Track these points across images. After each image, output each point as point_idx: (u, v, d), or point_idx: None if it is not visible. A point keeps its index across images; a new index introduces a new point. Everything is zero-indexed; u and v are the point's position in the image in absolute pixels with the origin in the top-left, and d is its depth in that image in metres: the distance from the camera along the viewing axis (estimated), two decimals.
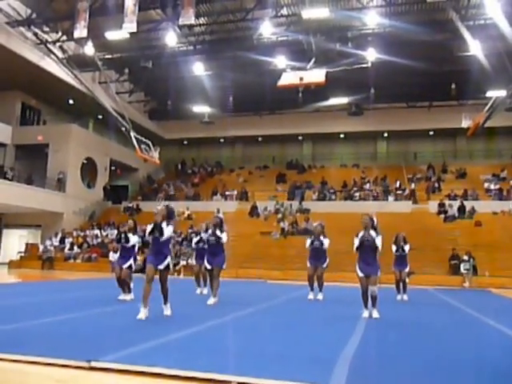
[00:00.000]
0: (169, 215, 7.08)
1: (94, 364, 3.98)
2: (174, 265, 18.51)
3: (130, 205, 27.91)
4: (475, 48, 18.66)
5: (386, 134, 31.83)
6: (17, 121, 26.98)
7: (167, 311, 7.12)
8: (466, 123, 23.24)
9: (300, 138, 33.33)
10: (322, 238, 10.55)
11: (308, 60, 20.27)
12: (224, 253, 9.31)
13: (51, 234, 24.38)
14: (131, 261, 9.25)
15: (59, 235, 24.14)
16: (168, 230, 6.90)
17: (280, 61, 21.51)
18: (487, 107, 20.52)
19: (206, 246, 10.09)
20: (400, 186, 26.56)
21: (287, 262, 19.69)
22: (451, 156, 30.55)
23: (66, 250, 23.25)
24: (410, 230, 17.13)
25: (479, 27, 18.85)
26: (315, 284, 10.61)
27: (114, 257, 13.71)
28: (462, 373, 4.23)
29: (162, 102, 30.87)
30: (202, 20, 21.15)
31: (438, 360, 4.67)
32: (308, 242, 10.68)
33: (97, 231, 24.91)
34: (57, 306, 8.27)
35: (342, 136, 32.28)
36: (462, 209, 23.06)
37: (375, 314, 7.50)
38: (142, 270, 9.85)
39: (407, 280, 11.43)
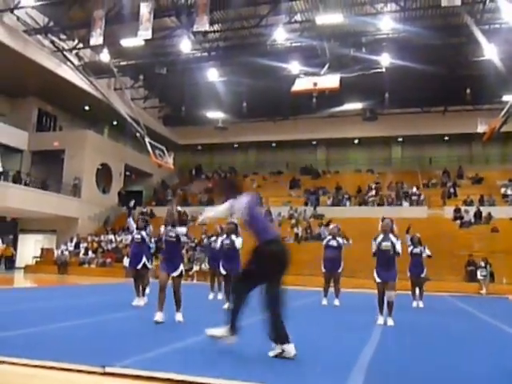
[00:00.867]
0: (181, 219, 7.20)
1: (108, 369, 3.99)
2: (187, 270, 18.56)
3: (145, 210, 28.04)
4: (490, 52, 18.51)
5: (400, 139, 31.64)
6: (33, 127, 27.33)
7: (179, 317, 7.10)
8: (481, 128, 22.98)
9: (314, 143, 33.27)
10: (338, 238, 10.49)
11: (322, 65, 20.28)
12: (239, 258, 9.22)
13: (66, 239, 24.59)
14: (144, 259, 9.20)
15: (74, 240, 24.34)
16: (182, 233, 7.01)
17: (294, 66, 21.55)
18: (503, 112, 20.27)
19: (217, 250, 10.19)
20: (415, 191, 26.34)
21: (301, 267, 19.56)
22: (467, 161, 30.24)
23: (81, 255, 23.44)
24: (426, 235, 16.86)
25: (494, 31, 18.71)
26: (331, 289, 10.53)
27: (127, 262, 13.75)
28: (479, 382, 4.17)
29: (176, 108, 31.05)
30: (216, 27, 21.28)
31: (454, 368, 4.60)
32: (324, 241, 10.64)
33: (111, 236, 25.06)
34: (72, 311, 8.32)
35: (356, 141, 32.15)
36: (478, 214, 22.80)
37: (390, 322, 7.40)
38: None
39: (423, 286, 11.32)
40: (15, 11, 19.92)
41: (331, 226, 11.16)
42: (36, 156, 27.23)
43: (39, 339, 5.39)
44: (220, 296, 10.98)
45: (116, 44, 20.40)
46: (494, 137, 21.90)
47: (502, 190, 25.41)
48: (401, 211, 23.68)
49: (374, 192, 26.81)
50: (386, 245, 7.46)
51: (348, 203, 26.63)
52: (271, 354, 4.79)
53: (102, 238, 25.00)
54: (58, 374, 3.99)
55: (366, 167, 31.65)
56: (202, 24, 17.11)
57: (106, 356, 4.40)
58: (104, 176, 28.95)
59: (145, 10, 17.45)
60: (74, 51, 23.09)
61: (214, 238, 11.24)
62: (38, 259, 24.95)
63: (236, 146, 34.38)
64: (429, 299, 11.79)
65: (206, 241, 12.33)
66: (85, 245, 24.17)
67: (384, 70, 20.89)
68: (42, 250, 25.52)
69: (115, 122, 29.13)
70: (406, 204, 25.50)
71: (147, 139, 21.29)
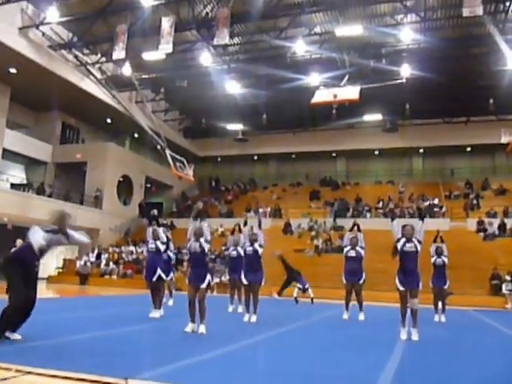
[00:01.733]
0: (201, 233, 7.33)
1: (130, 381, 4.01)
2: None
3: (165, 222, 28.19)
4: None
5: (421, 151, 31.36)
6: (57, 139, 27.79)
7: (202, 329, 7.11)
8: (505, 139, 22.72)
9: (334, 154, 33.16)
10: (357, 248, 10.36)
11: (342, 77, 20.26)
12: (262, 268, 9.16)
13: (88, 250, 24.83)
14: (159, 271, 9.21)
15: (96, 251, 24.56)
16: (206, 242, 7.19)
17: (314, 78, 21.56)
18: None
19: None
20: (437, 202, 26.00)
21: (321, 280, 19.43)
22: (490, 172, 29.76)
23: (102, 266, 23.63)
24: (448, 248, 16.67)
25: None
26: (353, 303, 10.40)
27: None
28: None
29: (196, 120, 31.31)
30: (236, 39, 21.46)
31: None
32: (344, 251, 10.56)
33: (132, 248, 25.24)
34: (94, 322, 8.38)
35: (376, 152, 31.95)
36: (502, 227, 22.37)
37: (415, 336, 7.17)
38: None
39: (446, 300, 11.11)
40: (40, 27, 20.36)
41: (350, 236, 10.89)
42: (59, 168, 27.66)
43: (63, 350, 5.45)
44: (240, 309, 10.97)
45: (137, 58, 20.70)
46: None
47: None
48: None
49: (392, 204, 26.52)
50: (410, 246, 7.33)
51: (368, 215, 26.41)
52: None
53: (123, 249, 25.19)
54: None
55: (386, 179, 31.42)
56: (223, 37, 17.26)
57: (129, 368, 4.43)
58: (125, 188, 29.25)
59: (166, 24, 17.68)
60: (97, 65, 23.46)
61: (232, 248, 11.28)
62: (61, 270, 25.23)
63: (256, 157, 34.47)
64: (452, 313, 11.58)
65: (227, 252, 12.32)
66: (106, 256, 24.38)
67: (404, 80, 20.75)
68: (65, 260, 25.80)
69: (136, 135, 29.47)
70: (427, 215, 25.15)
71: (168, 151, 21.46)
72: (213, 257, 21.54)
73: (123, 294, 17.04)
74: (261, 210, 28.23)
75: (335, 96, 18.94)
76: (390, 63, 20.55)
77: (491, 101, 24.29)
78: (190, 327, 7.14)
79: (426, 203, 26.02)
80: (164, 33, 17.62)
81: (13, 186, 24.04)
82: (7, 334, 5.70)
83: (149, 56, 20.08)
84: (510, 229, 22.21)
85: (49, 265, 26.23)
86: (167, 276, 10.21)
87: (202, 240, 7.27)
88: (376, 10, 19.63)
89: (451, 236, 22.14)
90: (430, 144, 29.79)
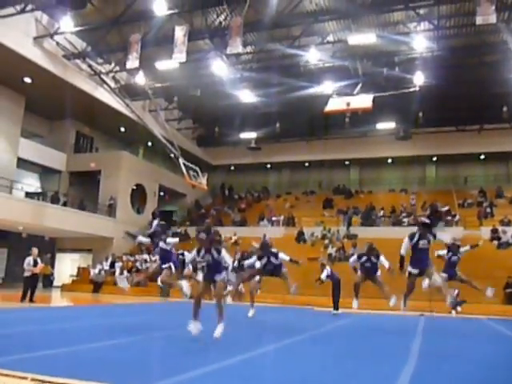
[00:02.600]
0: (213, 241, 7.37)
1: None
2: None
3: (179, 230, 28.28)
4: None
5: (434, 159, 31.17)
6: (71, 148, 28.06)
7: (218, 332, 6.88)
8: None
9: (347, 163, 33.09)
10: (373, 258, 10.37)
11: (355, 85, 20.25)
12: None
13: (102, 259, 24.96)
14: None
15: (109, 260, 24.66)
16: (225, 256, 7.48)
17: (327, 87, 21.56)
18: None
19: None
20: (450, 211, 25.77)
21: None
22: (504, 180, 29.48)
23: (117, 275, 23.70)
24: (462, 256, 16.52)
25: None
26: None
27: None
28: None
29: (209, 129, 31.44)
30: (249, 48, 21.56)
31: None
32: (354, 257, 10.59)
33: (146, 256, 25.30)
34: (107, 331, 8.41)
35: (389, 161, 31.82)
36: None
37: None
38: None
39: (459, 308, 11.03)
40: (55, 37, 20.65)
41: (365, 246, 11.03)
42: (73, 177, 27.89)
43: (77, 359, 5.47)
44: (250, 313, 11.12)
45: (151, 67, 20.89)
46: None
47: None
48: (436, 232, 23.13)
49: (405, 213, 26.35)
50: (423, 243, 7.28)
51: (381, 223, 26.26)
52: None
53: (137, 257, 25.26)
54: None
55: (399, 187, 31.26)
56: (236, 46, 17.34)
57: (141, 377, 4.43)
58: (138, 196, 29.39)
59: (180, 33, 17.83)
60: (111, 74, 23.71)
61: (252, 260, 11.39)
62: (75, 278, 25.38)
63: (269, 166, 34.49)
64: (466, 322, 11.47)
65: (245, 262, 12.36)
66: (120, 264, 24.46)
67: (417, 88, 20.69)
68: (79, 268, 25.97)
69: (150, 143, 29.67)
70: (441, 224, 24.94)
71: (181, 160, 21.55)
72: (226, 265, 21.49)
73: (137, 303, 17.08)
74: (274, 219, 28.22)
75: (348, 104, 18.91)
76: (403, 71, 20.50)
77: (505, 108, 24.12)
78: (193, 326, 6.94)
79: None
80: (177, 42, 17.75)
81: (27, 194, 24.29)
82: None
83: (162, 65, 20.25)
84: None
85: (63, 273, 26.48)
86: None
87: (213, 251, 7.42)
88: (389, 18, 19.63)
89: (465, 244, 22.02)
90: (443, 152, 29.61)
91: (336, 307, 13.74)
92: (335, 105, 19.28)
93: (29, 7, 18.28)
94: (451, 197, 28.13)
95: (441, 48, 19.28)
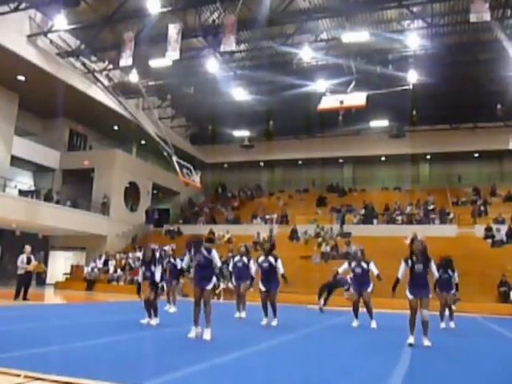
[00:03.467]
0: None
1: None
2: (214, 288, 18.48)
3: (172, 228, 28.26)
4: None
5: (428, 157, 31.25)
6: (64, 146, 27.95)
7: (207, 335, 7.03)
8: None
9: (340, 161, 33.12)
10: (363, 263, 10.36)
11: (348, 83, 20.26)
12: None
13: (95, 257, 24.91)
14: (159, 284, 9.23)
15: (103, 257, 24.61)
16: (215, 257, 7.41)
17: (320, 84, 21.56)
18: None
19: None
20: (444, 209, 25.88)
21: None
22: (498, 178, 29.59)
23: (110, 272, 23.67)
24: (456, 254, 16.44)
25: None
26: (364, 310, 10.37)
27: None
28: None
29: (203, 127, 31.38)
30: (242, 46, 21.53)
31: None
32: (345, 265, 10.53)
33: (139, 254, 25.23)
34: (100, 329, 8.39)
35: (383, 159, 31.85)
36: (510, 233, 22.20)
37: (427, 342, 7.24)
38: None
39: (453, 307, 11.03)
40: (48, 35, 20.52)
41: (354, 249, 11.13)
42: (67, 175, 27.80)
43: (70, 356, 5.45)
44: (243, 314, 11.12)
45: (144, 65, 20.80)
46: None
47: None
48: (429, 230, 23.27)
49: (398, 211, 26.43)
50: (418, 267, 7.34)
51: (375, 221, 26.32)
52: None
53: (130, 255, 25.21)
54: None
55: (393, 185, 31.33)
56: (229, 44, 17.29)
57: (134, 375, 4.42)
58: (132, 194, 29.32)
59: (173, 31, 17.76)
60: (104, 72, 23.59)
61: (237, 259, 11.55)
62: (68, 276, 25.31)
63: (262, 164, 34.47)
64: (460, 320, 11.49)
65: (232, 261, 12.30)
66: (113, 262, 24.42)
67: (411, 86, 20.72)
68: (72, 266, 25.90)
69: (143, 141, 29.59)
70: (436, 221, 25.07)
71: (175, 158, 21.51)
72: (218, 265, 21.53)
73: (130, 301, 17.03)
74: (267, 217, 28.23)
75: (342, 102, 18.95)
76: (396, 69, 20.50)
77: (499, 107, 24.18)
78: (193, 332, 7.09)
79: (431, 207, 26.03)
80: (171, 40, 17.69)
81: (21, 192, 24.16)
82: None
83: (156, 63, 20.19)
84: None
85: (56, 271, 26.40)
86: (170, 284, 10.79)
87: (204, 251, 7.42)
88: (382, 16, 19.65)
89: (459, 243, 22.15)
90: (437, 150, 29.68)
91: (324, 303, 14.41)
92: (329, 103, 19.32)
93: (22, 5, 18.15)
94: (445, 195, 28.23)
95: (434, 46, 19.28)
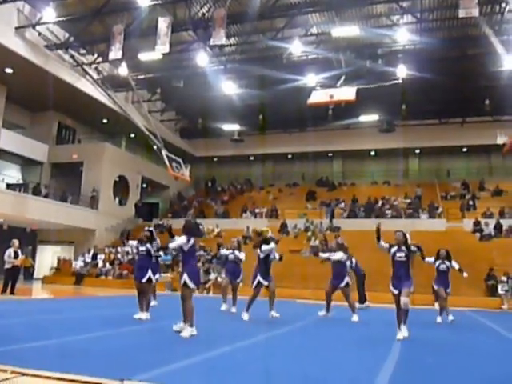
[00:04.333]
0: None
1: (126, 383, 4.00)
2: (204, 283, 18.50)
3: (161, 222, 28.17)
4: (510, 63, 18.37)
5: (417, 151, 31.43)
6: (53, 140, 27.72)
7: (185, 333, 6.73)
8: (501, 139, 22.72)
9: (330, 155, 33.19)
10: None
11: (338, 77, 20.28)
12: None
13: (84, 251, 24.78)
14: (149, 273, 9.19)
15: (91, 252, 24.49)
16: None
17: (310, 79, 21.57)
18: None
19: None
20: (433, 203, 26.05)
21: (319, 281, 19.40)
22: (486, 173, 29.84)
23: (99, 267, 23.57)
24: (444, 248, 16.72)
25: None
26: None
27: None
28: None
29: (192, 121, 31.30)
30: (232, 40, 21.44)
31: None
32: (326, 255, 10.86)
33: (128, 248, 25.13)
34: (89, 323, 8.36)
35: (372, 153, 32.00)
36: (498, 227, 22.44)
37: (404, 332, 7.32)
38: None
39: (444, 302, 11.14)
40: (37, 27, 20.30)
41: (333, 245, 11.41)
42: (55, 168, 27.58)
43: (58, 351, 5.43)
44: (234, 309, 11.10)
45: (134, 58, 20.66)
46: None
47: None
48: (418, 224, 23.42)
49: (387, 205, 26.57)
50: (400, 256, 7.48)
51: (364, 215, 26.41)
52: None
53: (119, 249, 25.12)
54: None
55: (382, 179, 31.48)
56: (219, 38, 17.23)
57: (125, 369, 4.41)
58: (121, 188, 29.18)
59: (163, 24, 17.66)
60: (94, 65, 23.44)
61: (230, 251, 11.60)
62: (56, 270, 25.16)
63: (252, 158, 34.44)
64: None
65: (222, 252, 12.31)
66: (102, 256, 24.32)
67: (401, 81, 20.78)
68: (59, 260, 25.72)
69: (133, 135, 29.43)
70: (424, 216, 25.22)
71: (164, 151, 21.43)
72: (209, 257, 21.54)
73: (119, 295, 16.99)
74: (257, 211, 28.25)
75: (331, 96, 18.95)
76: (386, 64, 20.54)
77: (487, 101, 24.33)
78: (179, 326, 7.06)
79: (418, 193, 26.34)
80: (160, 33, 17.60)
81: (9, 186, 23.95)
82: None
83: (145, 56, 20.07)
84: (506, 229, 22.27)
85: (44, 265, 26.23)
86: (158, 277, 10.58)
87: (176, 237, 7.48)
88: (372, 10, 19.67)
89: (447, 236, 22.30)
90: (426, 144, 29.85)
91: (362, 300, 13.99)
92: (318, 97, 19.32)
93: None
94: (434, 189, 28.41)
95: (424, 41, 19.31)
